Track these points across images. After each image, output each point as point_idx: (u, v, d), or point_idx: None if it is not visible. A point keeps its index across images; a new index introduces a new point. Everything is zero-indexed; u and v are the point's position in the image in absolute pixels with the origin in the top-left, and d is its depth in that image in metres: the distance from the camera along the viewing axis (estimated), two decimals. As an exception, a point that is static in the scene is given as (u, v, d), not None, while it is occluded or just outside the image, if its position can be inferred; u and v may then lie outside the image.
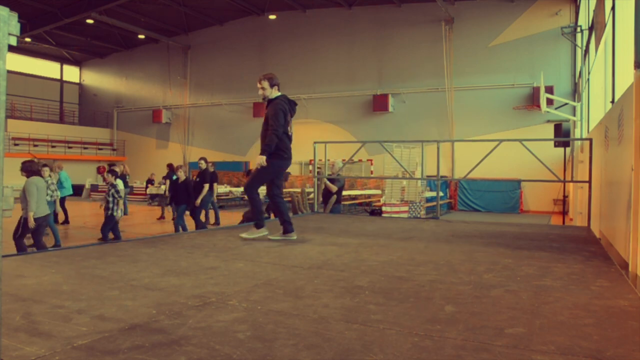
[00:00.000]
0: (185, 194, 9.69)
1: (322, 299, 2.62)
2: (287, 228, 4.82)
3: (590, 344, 1.95)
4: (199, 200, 9.53)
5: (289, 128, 4.78)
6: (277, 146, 4.66)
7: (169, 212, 13.29)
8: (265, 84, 4.74)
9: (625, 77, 4.90)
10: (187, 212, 9.78)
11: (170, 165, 14.12)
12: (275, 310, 2.41)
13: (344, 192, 12.94)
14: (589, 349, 1.90)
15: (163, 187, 14.81)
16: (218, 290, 2.80)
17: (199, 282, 3.01)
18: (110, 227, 8.08)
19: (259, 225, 4.89)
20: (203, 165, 9.99)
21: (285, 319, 2.27)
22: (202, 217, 10.30)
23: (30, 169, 6.78)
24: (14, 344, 1.89)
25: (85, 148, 27.46)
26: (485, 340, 1.99)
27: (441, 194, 17.14)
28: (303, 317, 2.29)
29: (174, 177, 12.88)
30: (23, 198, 6.65)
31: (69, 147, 26.58)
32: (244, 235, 4.85)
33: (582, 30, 14.60)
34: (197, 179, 9.74)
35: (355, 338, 2.01)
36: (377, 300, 2.60)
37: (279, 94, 4.83)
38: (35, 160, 9.37)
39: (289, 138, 4.81)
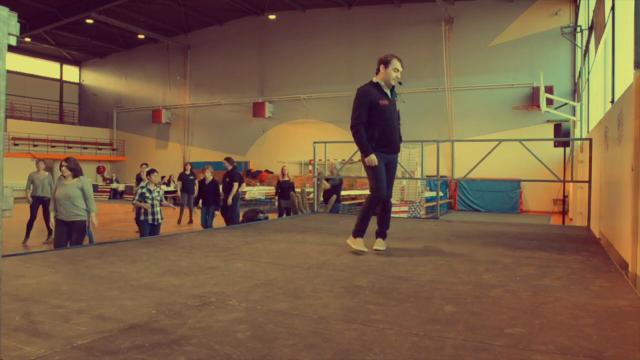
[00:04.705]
0: (213, 195, 9.62)
1: (321, 299, 2.62)
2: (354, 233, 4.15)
3: (590, 344, 1.95)
4: (230, 199, 9.58)
5: (382, 115, 4.15)
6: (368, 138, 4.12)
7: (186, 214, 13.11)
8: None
9: (625, 77, 4.90)
10: (217, 213, 9.74)
11: (187, 165, 13.73)
12: (275, 310, 2.41)
13: (344, 192, 12.99)
14: (588, 349, 1.90)
15: (166, 186, 14.58)
16: (218, 290, 2.80)
17: (198, 282, 3.01)
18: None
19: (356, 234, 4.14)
20: (229, 166, 10.05)
21: (285, 319, 2.27)
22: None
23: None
24: (13, 343, 1.89)
25: (85, 148, 27.45)
26: (485, 340, 1.99)
27: (441, 194, 17.15)
28: (303, 317, 2.29)
29: (191, 177, 12.78)
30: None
31: (69, 147, 26.56)
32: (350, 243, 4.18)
33: (581, 30, 14.59)
34: (227, 179, 9.83)
35: (355, 338, 2.01)
36: (377, 300, 2.60)
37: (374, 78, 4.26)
38: (40, 160, 9.30)
39: (382, 127, 4.15)
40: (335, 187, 9.99)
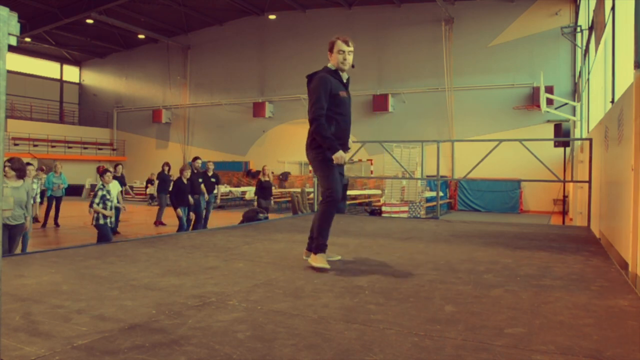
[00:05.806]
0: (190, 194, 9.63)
1: (322, 299, 2.62)
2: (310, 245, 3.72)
3: (590, 344, 1.95)
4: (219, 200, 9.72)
5: (341, 108, 3.78)
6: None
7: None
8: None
9: (625, 77, 4.90)
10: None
11: (165, 165, 13.70)
12: (275, 310, 2.41)
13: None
14: (588, 349, 1.90)
15: (151, 187, 14.25)
16: (218, 290, 2.80)
17: (198, 282, 3.01)
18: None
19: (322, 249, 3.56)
20: (211, 165, 10.07)
21: (285, 319, 2.27)
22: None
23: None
24: (14, 343, 1.89)
25: (85, 148, 27.45)
26: (485, 340, 1.99)
27: (441, 194, 17.15)
28: (303, 317, 2.29)
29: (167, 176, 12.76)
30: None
31: (69, 147, 26.57)
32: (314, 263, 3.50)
33: (582, 30, 14.59)
34: (213, 180, 9.87)
35: (355, 338, 2.01)
36: (377, 300, 2.60)
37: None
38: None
39: (340, 122, 3.74)
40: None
